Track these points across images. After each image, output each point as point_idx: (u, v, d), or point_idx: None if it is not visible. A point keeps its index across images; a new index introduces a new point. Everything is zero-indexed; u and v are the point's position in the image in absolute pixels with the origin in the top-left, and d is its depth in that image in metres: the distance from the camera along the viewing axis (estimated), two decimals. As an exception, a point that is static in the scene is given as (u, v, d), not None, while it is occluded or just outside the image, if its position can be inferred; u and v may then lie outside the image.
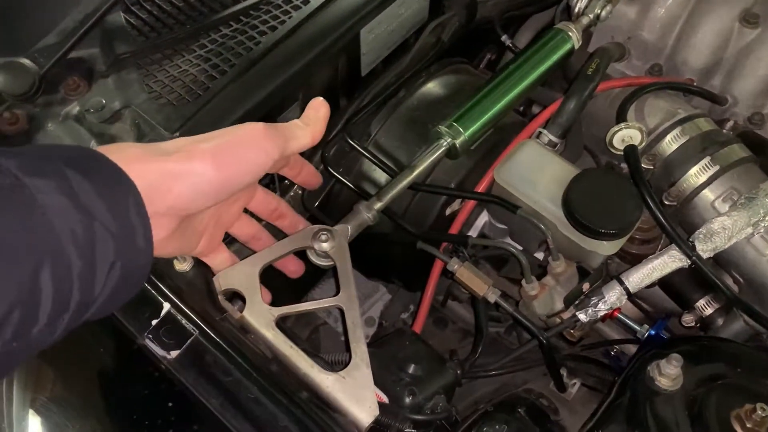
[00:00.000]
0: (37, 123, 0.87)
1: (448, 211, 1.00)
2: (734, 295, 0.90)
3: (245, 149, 0.63)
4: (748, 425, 0.74)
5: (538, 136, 0.98)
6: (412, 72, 1.04)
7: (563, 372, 0.92)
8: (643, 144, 0.95)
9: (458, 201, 1.00)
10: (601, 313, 0.89)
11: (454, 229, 0.97)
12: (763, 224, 0.87)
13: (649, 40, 1.14)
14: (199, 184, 0.60)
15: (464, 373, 0.88)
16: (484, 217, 1.06)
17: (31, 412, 0.72)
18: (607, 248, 0.88)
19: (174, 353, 0.70)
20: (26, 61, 0.87)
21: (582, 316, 0.89)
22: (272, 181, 1.02)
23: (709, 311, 0.98)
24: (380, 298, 1.34)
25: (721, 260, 0.97)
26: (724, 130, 1.02)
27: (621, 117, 0.97)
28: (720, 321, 0.98)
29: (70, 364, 0.74)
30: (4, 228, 0.46)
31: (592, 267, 0.91)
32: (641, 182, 0.87)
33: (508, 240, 1.01)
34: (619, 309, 1.01)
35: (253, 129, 0.65)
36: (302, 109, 0.93)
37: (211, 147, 0.61)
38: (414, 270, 1.02)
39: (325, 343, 1.20)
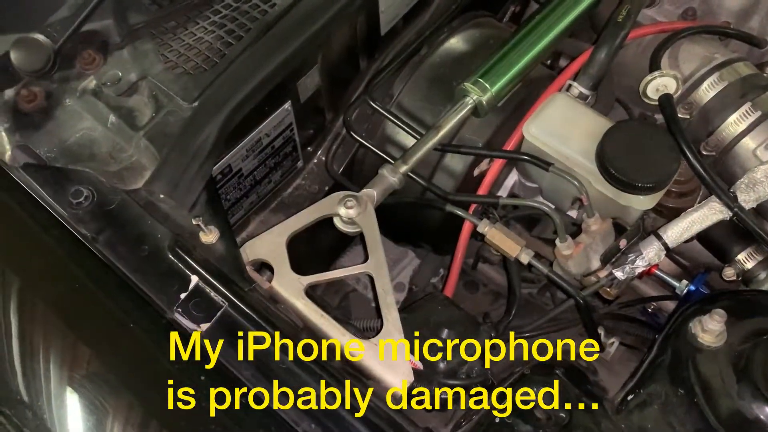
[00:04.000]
0: (55, 99, 0.86)
1: (476, 172, 0.97)
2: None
3: None
4: None
5: (568, 89, 0.95)
6: (433, 28, 1.01)
7: (601, 332, 0.90)
8: (679, 92, 0.91)
9: (487, 161, 0.97)
10: (639, 270, 0.86)
11: (483, 190, 0.94)
12: (809, 171, 0.83)
13: (681, -18, 1.08)
14: None
15: (499, 335, 0.87)
16: (513, 177, 1.03)
17: (68, 389, 0.72)
18: (643, 202, 0.85)
19: (204, 326, 0.69)
20: (40, 36, 0.85)
21: (619, 274, 0.86)
22: (295, 149, 1.00)
23: (751, 264, 0.94)
24: (409, 263, 1.31)
25: (763, 210, 0.93)
26: (765, 74, 0.97)
27: (654, 65, 0.93)
28: (763, 274, 0.94)
29: (102, 342, 0.74)
30: None
31: (629, 223, 0.88)
32: (678, 132, 0.84)
33: (540, 199, 0.98)
34: (656, 265, 0.98)
35: None
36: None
37: None
38: (443, 233, 1.00)
39: (356, 310, 1.19)
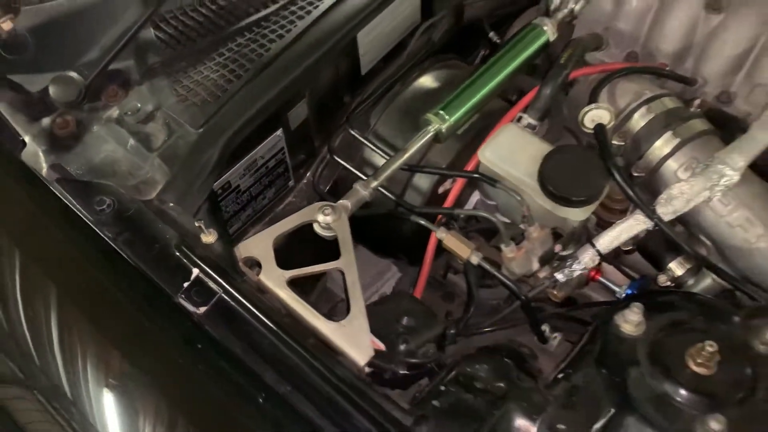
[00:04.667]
0: (84, 126, 1.03)
1: (441, 190, 1.13)
2: (696, 252, 1.01)
3: None
4: (699, 361, 0.84)
5: (519, 120, 1.11)
6: (406, 68, 1.18)
7: (545, 327, 1.04)
8: (613, 123, 1.06)
9: (450, 180, 1.13)
10: (577, 273, 1.01)
11: (447, 205, 1.10)
12: (718, 188, 0.97)
13: (625, 29, 1.25)
14: None
15: (458, 332, 1.01)
16: (476, 196, 1.18)
17: (105, 390, 0.87)
18: (578, 214, 1.00)
19: (203, 309, 0.84)
20: (73, 74, 1.03)
21: (560, 276, 1.01)
22: (286, 170, 1.16)
23: (681, 272, 1.08)
24: (392, 276, 1.47)
25: (691, 224, 1.08)
26: (692, 108, 1.12)
27: (592, 99, 1.08)
28: (691, 280, 1.08)
29: (131, 344, 0.89)
30: None
31: (566, 231, 1.03)
32: (607, 155, 0.99)
33: (498, 216, 1.13)
34: (599, 273, 1.13)
35: None
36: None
37: None
38: (414, 245, 1.15)
39: (341, 316, 1.33)
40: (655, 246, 1.10)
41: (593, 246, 1.00)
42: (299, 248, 0.95)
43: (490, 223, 1.06)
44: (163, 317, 0.87)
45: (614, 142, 1.08)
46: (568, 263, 1.01)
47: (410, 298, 0.98)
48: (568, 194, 0.97)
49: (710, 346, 0.83)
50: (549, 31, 1.13)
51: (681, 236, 1.06)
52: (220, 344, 0.83)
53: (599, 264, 1.04)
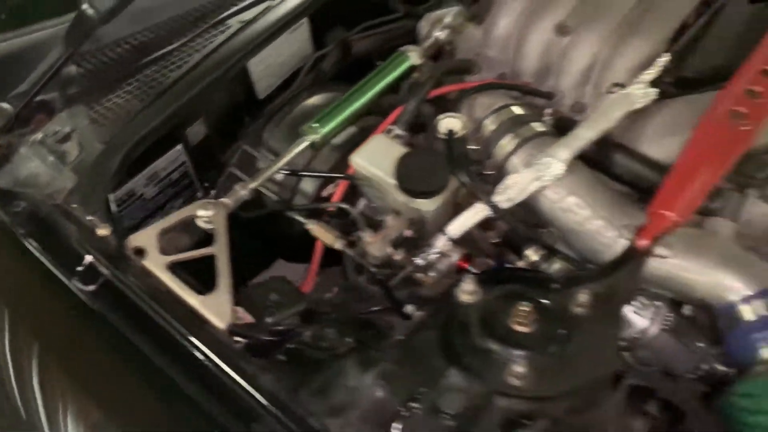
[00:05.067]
0: (13, 149, 1.22)
1: (325, 193, 1.30)
2: (536, 236, 1.16)
3: None
4: (518, 320, 0.98)
5: (389, 132, 1.28)
6: (297, 92, 1.37)
7: (410, 308, 1.19)
8: (465, 130, 1.23)
9: (333, 185, 1.30)
10: (433, 257, 1.16)
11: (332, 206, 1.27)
12: (546, 178, 1.13)
13: (493, 55, 1.43)
14: None
15: (331, 311, 1.16)
16: (364, 201, 1.35)
17: None
18: (428, 204, 1.16)
19: (91, 287, 1.01)
20: (5, 105, 1.22)
21: (418, 261, 1.16)
22: (192, 182, 1.34)
23: (535, 258, 1.22)
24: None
25: (538, 214, 1.23)
26: (545, 118, 1.29)
27: (453, 111, 1.26)
28: (545, 265, 1.23)
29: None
30: None
31: (420, 219, 1.19)
32: (450, 155, 1.16)
33: (358, 208, 1.28)
34: (468, 262, 1.28)
35: None
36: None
37: None
38: (305, 245, 1.31)
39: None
40: (516, 237, 1.26)
41: (444, 233, 1.16)
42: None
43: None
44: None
45: (471, 146, 1.25)
46: (425, 249, 1.16)
47: (281, 280, 1.13)
48: (415, 187, 1.14)
49: (526, 307, 0.98)
50: (413, 57, 1.31)
51: (531, 228, 1.21)
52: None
53: (469, 256, 1.20)
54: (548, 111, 1.31)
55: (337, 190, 1.27)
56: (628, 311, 1.10)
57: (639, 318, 1.10)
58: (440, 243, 1.16)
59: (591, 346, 0.98)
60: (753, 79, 1.18)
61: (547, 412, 0.92)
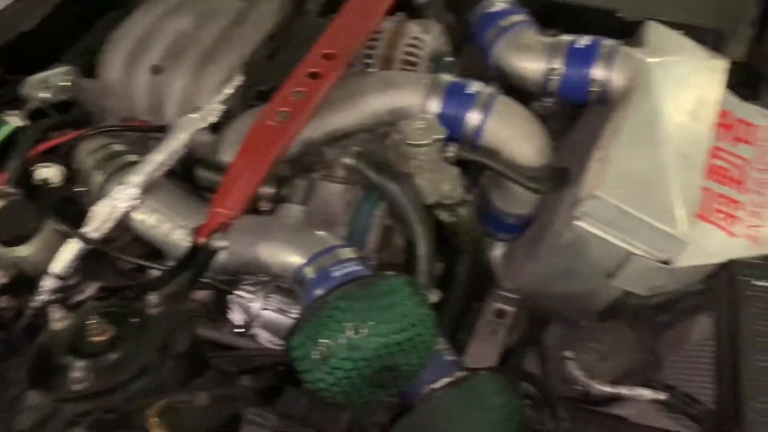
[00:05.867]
0: None
1: None
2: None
3: None
4: (93, 332, 1.08)
5: (-2, 192, 1.38)
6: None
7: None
8: (63, 177, 1.35)
9: None
10: (43, 297, 1.25)
11: None
12: (126, 203, 1.26)
13: (110, 103, 1.56)
14: None
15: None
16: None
17: None
18: (22, 251, 1.27)
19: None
20: None
21: (34, 304, 1.25)
22: None
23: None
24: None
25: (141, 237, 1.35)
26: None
27: (68, 162, 1.37)
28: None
29: None
30: None
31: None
32: (41, 202, 1.28)
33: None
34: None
35: None
36: None
37: None
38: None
39: None
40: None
41: (48, 273, 1.26)
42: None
43: None
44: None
45: (79, 188, 1.38)
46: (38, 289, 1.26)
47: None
48: (5, 236, 1.24)
49: (93, 320, 1.08)
50: (13, 120, 1.43)
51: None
52: None
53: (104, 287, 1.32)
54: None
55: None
56: (237, 299, 1.26)
57: (249, 303, 1.26)
58: (48, 282, 1.26)
59: (155, 340, 1.10)
60: (298, 81, 1.40)
61: (107, 405, 1.04)
